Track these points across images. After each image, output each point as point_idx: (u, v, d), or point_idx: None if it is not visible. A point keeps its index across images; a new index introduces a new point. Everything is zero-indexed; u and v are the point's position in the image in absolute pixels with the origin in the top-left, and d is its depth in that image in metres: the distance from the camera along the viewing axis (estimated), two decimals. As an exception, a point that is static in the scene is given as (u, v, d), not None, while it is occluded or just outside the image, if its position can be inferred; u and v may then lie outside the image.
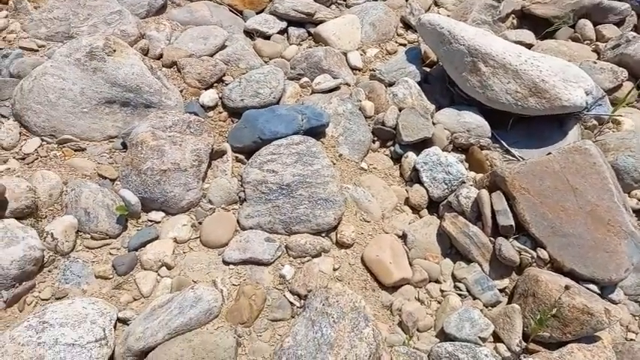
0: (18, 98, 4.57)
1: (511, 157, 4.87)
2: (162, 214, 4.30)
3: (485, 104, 5.00)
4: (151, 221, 4.26)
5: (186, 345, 3.37)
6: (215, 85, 5.29)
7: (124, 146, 4.61)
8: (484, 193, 4.11)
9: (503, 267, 4.05)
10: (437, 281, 4.15)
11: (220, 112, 5.11)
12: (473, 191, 4.25)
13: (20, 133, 4.55)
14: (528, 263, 3.93)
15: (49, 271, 3.82)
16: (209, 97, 5.06)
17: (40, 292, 3.69)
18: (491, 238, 4.08)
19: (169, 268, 3.96)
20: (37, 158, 4.44)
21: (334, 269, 4.09)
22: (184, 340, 3.40)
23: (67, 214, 4.05)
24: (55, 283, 3.77)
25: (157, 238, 4.10)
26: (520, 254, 3.95)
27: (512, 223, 3.95)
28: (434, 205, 4.62)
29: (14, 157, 4.41)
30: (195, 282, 3.84)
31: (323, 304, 3.59)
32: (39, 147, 4.51)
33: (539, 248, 3.97)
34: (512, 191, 4.03)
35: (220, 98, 5.13)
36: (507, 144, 4.97)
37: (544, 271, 3.85)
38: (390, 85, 5.46)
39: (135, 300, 3.77)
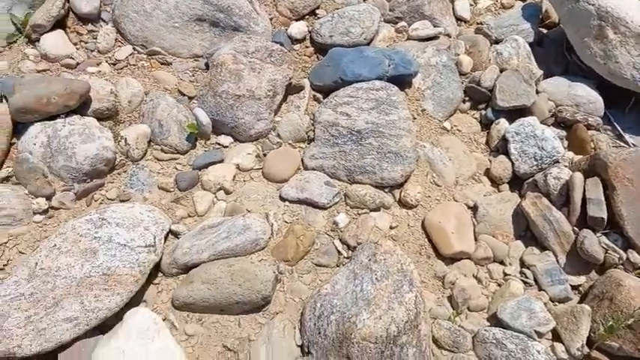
0: (118, 4, 4.68)
1: (622, 144, 4.19)
2: (231, 139, 4.28)
3: (605, 78, 4.30)
4: (218, 144, 4.26)
5: (226, 269, 3.37)
6: (306, 17, 5.06)
7: (207, 67, 4.59)
8: (578, 176, 3.57)
9: (582, 262, 3.56)
10: (501, 262, 3.77)
11: (307, 47, 4.90)
12: (565, 172, 3.72)
13: (116, 39, 4.69)
14: (613, 264, 3.41)
15: (118, 174, 3.98)
16: (298, 28, 4.86)
17: (107, 191, 3.87)
18: (575, 229, 3.58)
19: (227, 192, 3.95)
20: (127, 65, 4.57)
21: (391, 227, 3.86)
22: (225, 264, 3.40)
23: (143, 122, 4.16)
24: (122, 186, 3.93)
25: (221, 161, 4.10)
26: (606, 252, 3.43)
27: (605, 216, 3.42)
28: (517, 182, 4.15)
29: (107, 61, 4.57)
30: (248, 211, 3.81)
31: (369, 259, 3.39)
32: (130, 55, 4.63)
33: (630, 250, 3.41)
34: (612, 180, 3.46)
35: (309, 32, 4.91)
36: (621, 128, 4.28)
37: (630, 276, 3.31)
38: (497, 42, 4.88)
39: (189, 216, 3.83)
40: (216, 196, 3.93)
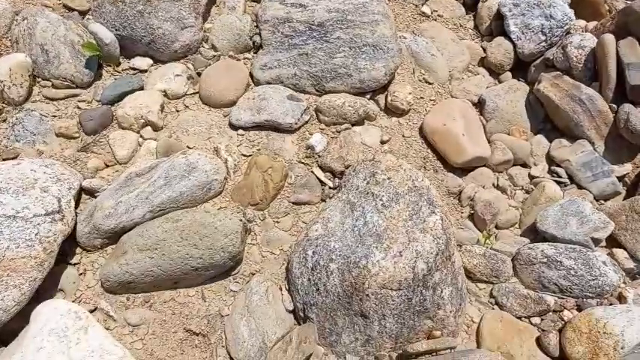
0: None
1: None
2: (150, 60, 3.16)
3: None
4: (133, 69, 3.13)
5: (172, 226, 2.36)
6: None
7: (101, -29, 3.36)
8: (609, 39, 2.79)
9: (626, 147, 2.85)
10: (524, 165, 2.99)
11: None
12: (589, 39, 2.93)
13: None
14: (669, 139, 2.71)
15: (-5, 125, 2.79)
16: None
17: (-20, 150, 2.69)
18: (612, 105, 2.83)
19: (156, 128, 2.88)
20: (-15, -18, 3.26)
21: (382, 142, 2.96)
22: (169, 220, 2.39)
23: (18, 51, 2.94)
24: (2, 140, 2.75)
25: (140, 89, 2.98)
26: (658, 126, 2.71)
27: (652, 82, 2.68)
28: (521, 67, 3.35)
29: (-46, -20, 3.23)
30: (190, 148, 2.77)
31: (368, 183, 2.49)
32: (-13, -33, 3.30)
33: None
34: (655, 34, 2.70)
35: None
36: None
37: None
38: None
39: (107, 166, 2.75)
40: (141, 135, 2.85)
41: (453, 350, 2.23)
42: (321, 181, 2.80)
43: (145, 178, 2.58)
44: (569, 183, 2.85)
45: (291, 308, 2.43)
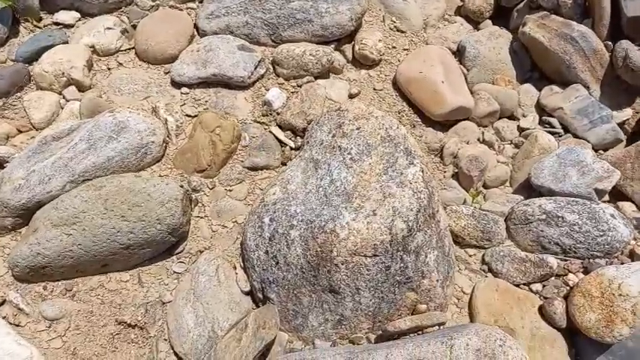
0: None
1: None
2: (76, 14, 2.71)
3: None
4: (58, 24, 2.67)
5: (93, 194, 1.92)
6: None
7: None
8: (601, -33, 2.44)
9: (624, 90, 2.53)
10: (512, 117, 2.64)
11: None
12: (578, -29, 2.58)
13: None
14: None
15: None
16: None
17: None
18: (608, 43, 2.49)
19: (82, 88, 2.43)
20: None
21: (350, 96, 2.56)
22: (90, 188, 1.94)
23: None
24: None
25: (64, 43, 2.52)
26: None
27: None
28: (502, 15, 2.99)
29: None
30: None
31: (333, 135, 2.09)
32: None
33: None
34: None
35: None
36: None
37: None
38: None
39: (20, 132, 2.30)
40: (63, 96, 2.39)
41: (442, 327, 1.85)
42: (280, 142, 2.39)
43: (65, 142, 2.14)
44: (563, 133, 2.51)
45: (247, 289, 2.01)
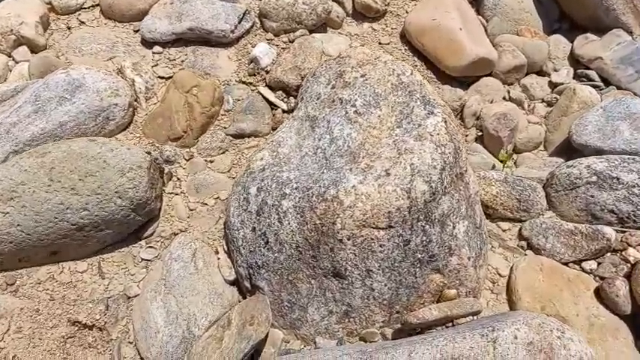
0: None
1: None
2: (32, -32, 2.31)
3: None
4: (9, -20, 2.29)
5: (35, 162, 1.54)
6: None
7: None
8: None
9: (675, 32, 2.11)
10: (541, 72, 2.25)
11: None
12: None
13: None
14: None
15: None
16: None
17: None
18: (655, -21, 2.10)
19: (36, 48, 2.07)
20: None
21: (351, 52, 2.16)
22: (31, 155, 1.56)
23: None
24: None
25: (13, -1, 2.15)
26: None
27: None
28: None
29: None
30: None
31: (333, 87, 1.70)
32: None
33: None
34: None
35: None
36: None
37: None
38: None
39: (-44, 98, 1.90)
40: (12, 57, 2.02)
41: (476, 317, 1.46)
42: (270, 104, 2.01)
43: (7, 105, 1.76)
44: (604, 86, 2.12)
45: (231, 278, 1.63)
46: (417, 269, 1.44)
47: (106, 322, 1.57)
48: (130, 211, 1.59)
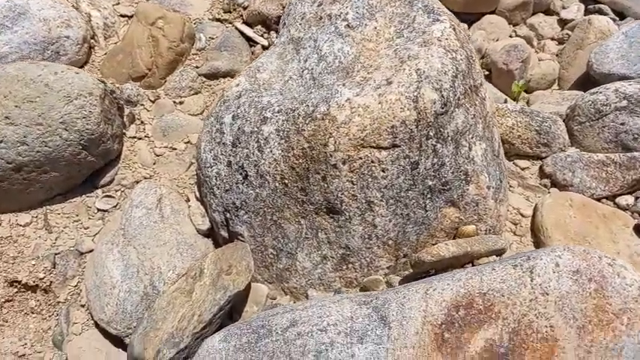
0: None
1: None
2: None
3: None
4: None
5: (-41, 86, 1.26)
6: None
7: None
8: None
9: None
10: (548, 11, 2.05)
11: None
12: None
13: None
14: None
15: None
16: None
17: None
18: None
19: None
20: None
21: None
22: (-43, 79, 1.28)
23: None
24: None
25: None
26: None
27: None
28: None
29: None
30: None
31: (320, 4, 1.46)
32: None
33: None
34: None
35: None
36: None
37: None
38: None
39: None
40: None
41: (499, 257, 1.21)
42: (249, 40, 1.76)
43: None
44: (618, 19, 1.90)
45: (205, 227, 1.36)
46: (428, 200, 1.19)
47: (52, 282, 1.29)
48: (79, 147, 1.31)
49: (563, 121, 1.59)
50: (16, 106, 1.25)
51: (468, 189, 1.22)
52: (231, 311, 1.22)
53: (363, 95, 1.16)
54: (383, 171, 1.15)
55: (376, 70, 1.22)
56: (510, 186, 1.48)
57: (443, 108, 1.15)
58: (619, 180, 1.39)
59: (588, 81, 1.72)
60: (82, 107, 1.29)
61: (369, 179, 1.15)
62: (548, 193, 1.45)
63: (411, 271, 1.22)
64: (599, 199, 1.40)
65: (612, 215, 1.35)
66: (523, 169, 1.52)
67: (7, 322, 1.25)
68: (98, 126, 1.33)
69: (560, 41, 1.94)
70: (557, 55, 1.91)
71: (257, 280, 1.29)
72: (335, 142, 1.15)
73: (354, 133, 1.13)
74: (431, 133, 1.15)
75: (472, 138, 1.22)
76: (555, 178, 1.46)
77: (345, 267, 1.22)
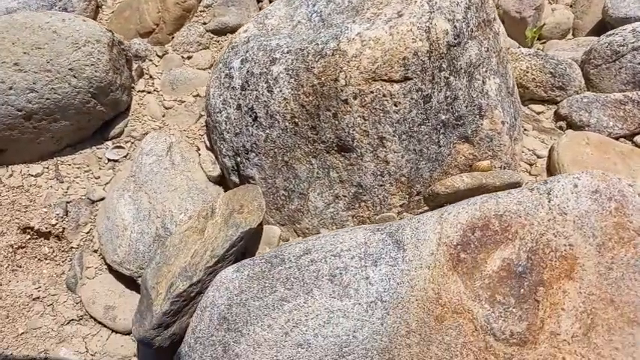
0: None
1: None
2: None
3: None
4: None
5: (-32, 32, 1.26)
6: None
7: None
8: None
9: None
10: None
11: None
12: None
13: None
14: None
15: None
16: None
17: None
18: None
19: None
20: None
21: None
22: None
23: None
24: None
25: None
26: None
27: None
28: None
29: None
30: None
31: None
32: None
33: None
34: None
35: None
36: None
37: None
38: None
39: None
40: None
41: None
42: (257, -6, 1.74)
43: (-57, -9, 1.48)
44: (636, -33, 1.84)
45: (216, 173, 1.36)
46: (441, 136, 1.17)
47: (64, 229, 1.29)
48: (89, 95, 1.31)
49: (579, 66, 1.55)
50: (25, 53, 1.24)
51: (482, 124, 1.19)
52: (245, 252, 1.21)
53: (374, 29, 1.14)
54: (395, 105, 1.13)
55: (387, 6, 1.20)
56: (525, 129, 1.45)
57: (456, 39, 1.13)
58: (637, 118, 1.36)
59: (604, 28, 1.67)
60: (90, 54, 1.29)
61: (381, 114, 1.14)
62: (564, 135, 1.42)
63: (425, 209, 1.20)
64: (616, 138, 1.37)
65: (630, 152, 1.32)
66: (538, 113, 1.49)
67: (20, 267, 1.25)
68: (107, 74, 1.32)
69: (573, -12, 1.90)
70: (570, 6, 1.87)
71: (269, 222, 1.28)
72: (346, 77, 1.13)
73: (365, 66, 1.11)
74: (444, 65, 1.13)
75: (486, 72, 1.19)
76: (571, 120, 1.42)
77: (357, 205, 1.21)
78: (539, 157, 1.37)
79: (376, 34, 1.13)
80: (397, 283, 0.91)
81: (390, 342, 0.89)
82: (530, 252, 0.91)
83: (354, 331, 0.90)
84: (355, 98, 1.13)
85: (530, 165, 1.36)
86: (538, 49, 1.72)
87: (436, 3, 1.14)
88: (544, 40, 1.76)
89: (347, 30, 1.17)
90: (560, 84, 1.47)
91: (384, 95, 1.13)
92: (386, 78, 1.12)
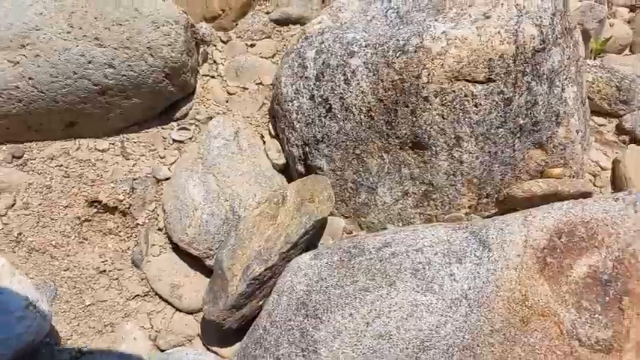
0: None
1: None
2: None
3: None
4: None
5: (53, 4, 1.27)
6: None
7: None
8: None
9: None
10: (620, -23, 1.98)
11: None
12: None
13: None
14: None
15: None
16: None
17: None
18: None
19: None
20: None
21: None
22: (49, -2, 1.29)
23: None
24: None
25: None
26: None
27: None
28: None
29: None
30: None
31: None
32: None
33: None
34: None
35: None
36: None
37: None
38: None
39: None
40: None
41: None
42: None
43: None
44: (697, -12, 1.85)
45: (281, 162, 1.37)
46: (517, 140, 1.17)
47: (131, 205, 1.30)
48: (162, 75, 1.32)
49: (642, 79, 1.56)
50: (106, 28, 1.25)
51: (557, 131, 1.20)
52: (309, 244, 1.22)
53: (460, 28, 1.15)
54: (476, 106, 1.14)
55: (470, 7, 1.20)
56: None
57: (541, 44, 1.13)
58: None
59: (665, 45, 1.68)
60: (168, 34, 1.30)
61: (461, 114, 1.14)
62: (626, 148, 1.42)
63: (492, 212, 1.21)
64: (682, 156, 1.38)
65: (697, 170, 1.33)
66: (600, 125, 1.50)
67: (86, 239, 1.26)
68: (181, 55, 1.33)
69: (632, 8, 1.90)
70: (628, 22, 1.87)
71: (333, 213, 1.29)
72: (429, 74, 1.13)
73: (450, 64, 1.12)
74: (527, 70, 1.13)
75: (565, 79, 1.20)
76: (635, 135, 1.43)
77: (426, 203, 1.21)
78: (602, 169, 1.38)
79: (463, 34, 1.13)
80: (483, 282, 0.92)
81: (473, 340, 0.90)
82: (616, 261, 0.91)
83: (437, 327, 0.91)
84: (436, 96, 1.14)
85: (594, 176, 1.37)
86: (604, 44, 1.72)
87: (524, 7, 1.14)
88: (602, 55, 1.76)
89: (430, 28, 1.18)
90: (625, 98, 1.48)
91: (466, 95, 1.13)
92: (469, 78, 1.13)
